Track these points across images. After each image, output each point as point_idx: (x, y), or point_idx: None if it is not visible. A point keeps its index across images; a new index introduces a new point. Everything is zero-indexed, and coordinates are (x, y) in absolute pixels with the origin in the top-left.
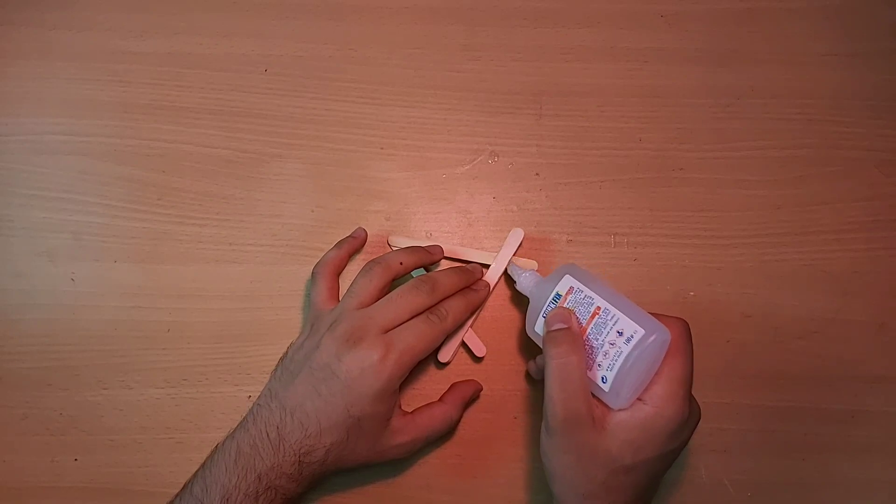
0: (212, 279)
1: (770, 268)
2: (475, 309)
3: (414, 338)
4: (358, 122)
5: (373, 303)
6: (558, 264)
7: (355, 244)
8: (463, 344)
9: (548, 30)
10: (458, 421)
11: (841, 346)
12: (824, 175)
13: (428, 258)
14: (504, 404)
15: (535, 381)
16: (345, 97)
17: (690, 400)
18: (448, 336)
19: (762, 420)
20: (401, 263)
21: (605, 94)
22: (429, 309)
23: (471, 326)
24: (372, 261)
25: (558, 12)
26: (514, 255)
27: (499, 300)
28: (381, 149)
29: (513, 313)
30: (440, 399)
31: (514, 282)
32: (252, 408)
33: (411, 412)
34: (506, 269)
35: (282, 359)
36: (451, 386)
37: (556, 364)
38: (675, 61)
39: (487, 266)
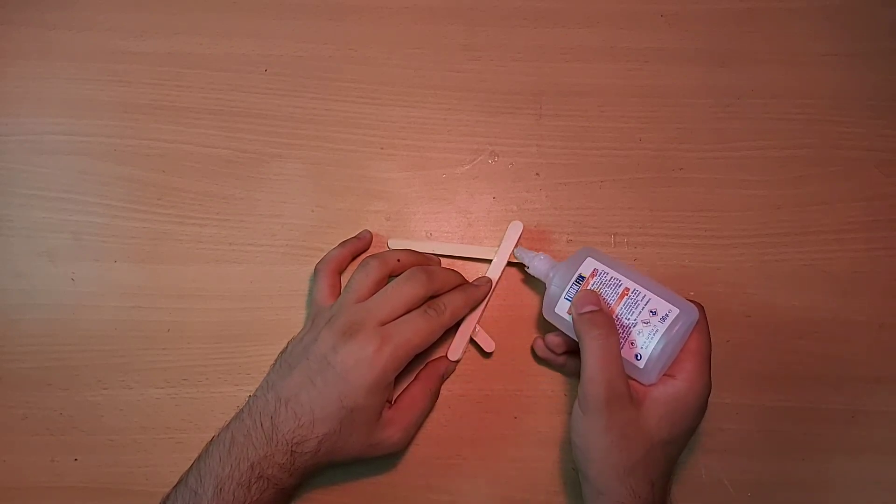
0: (212, 279)
1: (770, 268)
2: (475, 304)
3: (410, 331)
4: (358, 122)
5: (370, 297)
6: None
7: (359, 245)
8: (471, 340)
9: (548, 30)
10: (438, 394)
11: (841, 346)
12: (824, 175)
13: (425, 261)
14: (504, 404)
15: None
16: (345, 97)
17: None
18: (453, 333)
19: (762, 420)
20: (398, 260)
21: (605, 94)
22: (427, 303)
23: (477, 322)
24: (370, 256)
25: (558, 12)
26: (514, 248)
27: (498, 300)
28: (381, 149)
29: (513, 312)
30: (416, 378)
31: (526, 266)
32: (249, 399)
33: (394, 401)
34: (511, 257)
35: (282, 353)
36: (426, 364)
37: (598, 345)
38: (675, 61)
39: (489, 261)
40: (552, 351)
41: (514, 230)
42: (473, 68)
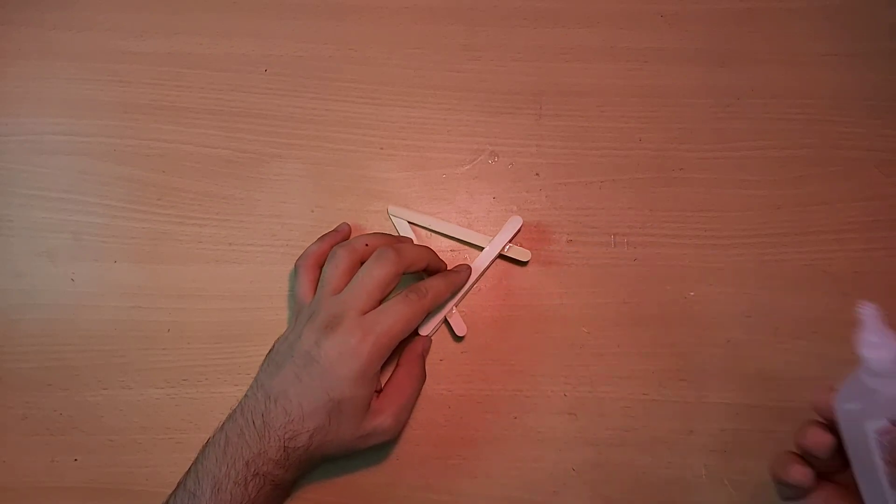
0: (212, 279)
1: (770, 268)
2: (457, 289)
3: (392, 319)
4: (358, 122)
5: (345, 286)
6: (558, 264)
7: (337, 238)
8: (445, 321)
9: (548, 30)
10: (424, 376)
11: (841, 346)
12: (824, 175)
13: (394, 241)
14: (504, 404)
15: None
16: (345, 97)
17: None
18: (431, 313)
19: (762, 420)
20: (366, 245)
21: (605, 94)
22: (408, 287)
23: (455, 305)
24: (336, 245)
25: (558, 12)
26: (509, 241)
27: (498, 300)
28: (381, 149)
29: (513, 313)
30: (397, 364)
31: (863, 355)
32: (241, 400)
33: (380, 391)
34: (502, 250)
35: (269, 352)
36: (403, 350)
37: None
38: (675, 61)
39: (481, 248)
40: (814, 455)
41: (513, 224)
42: (473, 68)
